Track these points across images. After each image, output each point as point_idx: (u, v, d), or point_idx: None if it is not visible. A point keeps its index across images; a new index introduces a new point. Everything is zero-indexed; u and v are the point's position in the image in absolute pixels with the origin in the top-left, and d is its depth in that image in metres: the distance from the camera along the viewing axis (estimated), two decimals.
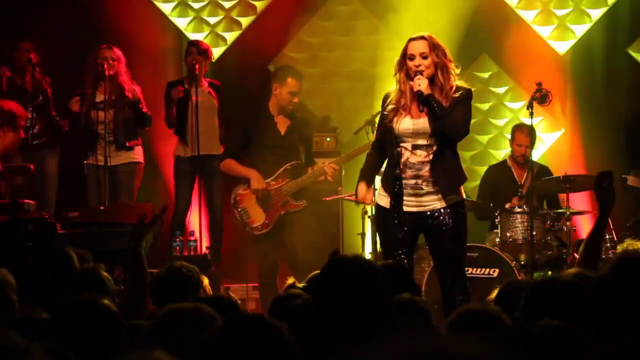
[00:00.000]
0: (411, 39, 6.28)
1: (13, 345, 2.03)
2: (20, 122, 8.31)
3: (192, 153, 9.25)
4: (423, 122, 6.20)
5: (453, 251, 6.27)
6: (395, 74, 6.34)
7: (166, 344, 2.70)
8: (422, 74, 6.15)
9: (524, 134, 9.38)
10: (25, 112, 8.51)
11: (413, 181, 6.24)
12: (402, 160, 6.24)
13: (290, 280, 5.10)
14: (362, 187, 6.49)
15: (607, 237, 8.96)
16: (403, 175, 6.23)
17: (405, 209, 6.24)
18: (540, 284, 3.63)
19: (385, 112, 6.30)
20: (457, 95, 6.22)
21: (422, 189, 6.24)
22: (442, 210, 6.24)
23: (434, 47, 6.22)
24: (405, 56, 6.25)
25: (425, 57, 6.20)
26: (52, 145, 9.66)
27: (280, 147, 8.39)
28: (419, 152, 6.23)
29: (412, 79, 6.20)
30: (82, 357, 3.00)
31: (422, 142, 6.23)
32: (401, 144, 6.25)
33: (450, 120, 6.16)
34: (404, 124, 6.22)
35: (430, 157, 6.22)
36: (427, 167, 6.22)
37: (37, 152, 9.52)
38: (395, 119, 6.23)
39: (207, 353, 2.61)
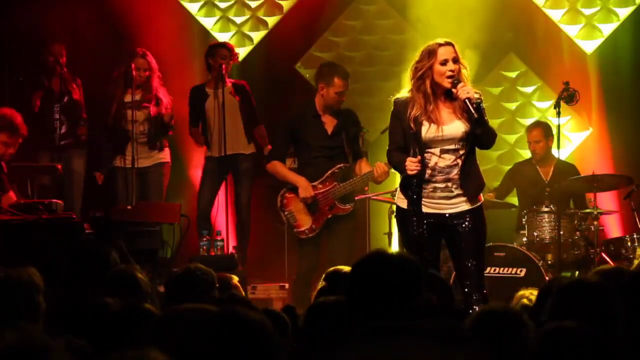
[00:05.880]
0: (440, 45, 6.23)
1: (36, 342, 2.04)
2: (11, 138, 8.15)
3: (219, 153, 9.28)
4: (451, 129, 6.21)
5: (475, 251, 6.30)
6: (415, 80, 6.25)
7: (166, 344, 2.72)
8: (459, 81, 6.16)
9: (535, 130, 9.60)
10: (24, 130, 8.30)
11: (444, 184, 6.26)
12: (431, 165, 6.24)
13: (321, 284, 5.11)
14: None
15: (636, 236, 8.94)
16: (433, 180, 6.25)
17: (434, 211, 6.27)
18: (566, 286, 3.61)
19: (409, 120, 6.22)
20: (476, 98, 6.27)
21: (452, 191, 6.27)
22: (467, 211, 6.28)
23: (457, 52, 6.25)
24: (432, 62, 6.21)
25: (456, 62, 6.21)
26: (78, 145, 9.70)
27: (327, 148, 8.32)
28: (447, 156, 6.25)
29: (436, 85, 6.19)
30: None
31: (450, 146, 6.24)
32: (428, 150, 6.25)
33: (490, 128, 6.27)
34: (433, 131, 6.20)
35: (459, 161, 6.24)
36: (455, 170, 6.25)
37: (64, 152, 9.57)
38: (423, 127, 6.21)
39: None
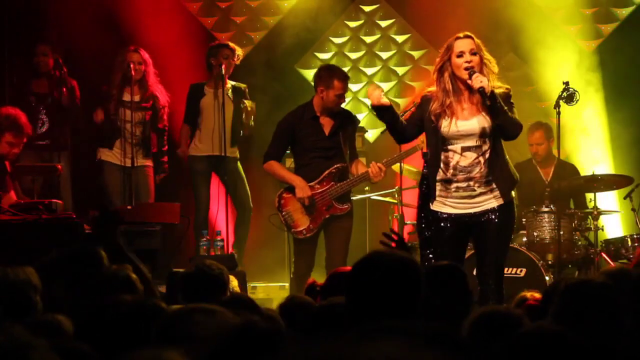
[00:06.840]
0: (457, 38, 6.29)
1: (18, 341, 2.04)
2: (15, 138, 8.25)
3: (211, 152, 9.29)
4: (469, 124, 6.22)
5: (499, 249, 6.29)
6: (435, 74, 6.33)
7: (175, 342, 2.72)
8: (475, 72, 6.17)
9: (537, 132, 9.58)
10: (29, 130, 8.39)
11: (465, 184, 6.26)
12: (452, 164, 6.25)
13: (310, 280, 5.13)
14: None
15: (635, 236, 8.94)
16: (455, 179, 6.25)
17: (456, 211, 6.28)
18: (572, 287, 3.58)
19: (430, 114, 6.26)
20: (500, 92, 6.25)
21: (474, 190, 6.26)
22: (496, 208, 6.27)
23: (478, 45, 6.28)
24: (449, 56, 6.26)
25: (474, 54, 6.23)
26: (60, 147, 9.61)
27: (324, 149, 8.31)
28: (468, 154, 6.25)
29: (455, 78, 6.23)
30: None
31: (470, 143, 6.24)
32: (449, 147, 6.27)
33: (511, 118, 6.22)
34: (450, 125, 6.22)
35: (481, 159, 6.24)
36: (477, 169, 6.24)
37: (44, 152, 9.49)
38: (441, 122, 6.23)
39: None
